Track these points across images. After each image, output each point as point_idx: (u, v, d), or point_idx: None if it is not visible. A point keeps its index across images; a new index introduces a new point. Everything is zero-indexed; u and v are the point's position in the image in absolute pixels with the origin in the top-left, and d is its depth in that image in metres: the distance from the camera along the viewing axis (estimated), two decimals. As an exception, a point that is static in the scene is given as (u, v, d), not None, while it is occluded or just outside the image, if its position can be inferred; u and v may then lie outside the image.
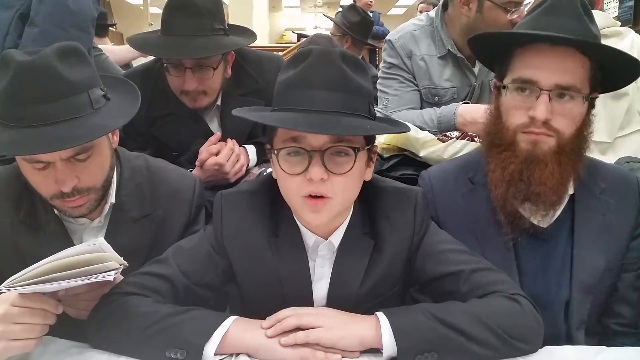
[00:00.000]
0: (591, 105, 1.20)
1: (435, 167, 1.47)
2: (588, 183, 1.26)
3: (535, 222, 1.23)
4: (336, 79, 1.03)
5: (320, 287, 1.19)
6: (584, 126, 1.20)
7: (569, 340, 1.21)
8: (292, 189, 1.07)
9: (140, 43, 1.83)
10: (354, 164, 1.05)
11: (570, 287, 1.23)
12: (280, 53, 4.48)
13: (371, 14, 4.51)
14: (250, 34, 1.90)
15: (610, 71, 1.19)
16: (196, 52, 1.65)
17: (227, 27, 1.78)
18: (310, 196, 1.05)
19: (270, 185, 1.19)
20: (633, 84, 1.25)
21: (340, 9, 3.89)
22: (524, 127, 1.17)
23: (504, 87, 1.21)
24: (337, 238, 1.18)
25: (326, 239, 1.17)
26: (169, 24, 1.70)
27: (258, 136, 1.89)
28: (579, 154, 1.20)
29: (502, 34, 1.28)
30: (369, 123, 1.07)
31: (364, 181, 1.16)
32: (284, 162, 1.06)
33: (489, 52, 1.31)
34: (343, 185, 1.06)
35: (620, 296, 1.26)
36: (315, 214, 1.07)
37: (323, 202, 1.06)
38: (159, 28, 1.76)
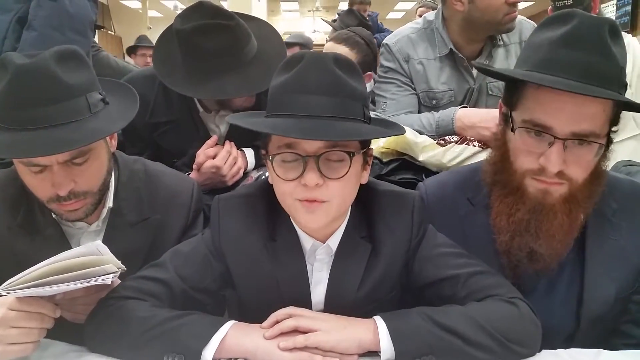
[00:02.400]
0: (609, 142, 1.09)
1: (432, 180, 1.38)
2: (600, 204, 1.15)
3: (538, 270, 1.16)
4: (329, 83, 1.02)
5: (318, 291, 1.19)
6: (599, 167, 1.10)
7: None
8: (287, 193, 1.07)
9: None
10: (349, 168, 1.04)
11: (578, 318, 1.16)
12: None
13: (369, 16, 4.53)
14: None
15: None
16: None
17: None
18: (306, 200, 1.05)
19: (267, 189, 1.19)
20: (627, 89, 1.18)
21: (338, 15, 3.92)
22: (534, 174, 1.08)
23: (512, 125, 1.10)
24: (334, 242, 1.17)
25: (324, 243, 1.17)
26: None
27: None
28: (592, 197, 1.11)
29: (513, 76, 1.10)
30: (364, 127, 1.06)
31: (362, 185, 1.15)
32: (279, 167, 1.06)
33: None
34: (339, 190, 1.05)
35: (631, 318, 1.19)
36: (311, 215, 1.07)
37: (319, 204, 1.05)
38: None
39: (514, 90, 1.11)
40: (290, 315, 1.06)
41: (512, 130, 1.10)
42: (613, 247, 1.16)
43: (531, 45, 1.12)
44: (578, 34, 1.02)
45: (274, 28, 1.85)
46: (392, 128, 1.17)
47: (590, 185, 1.09)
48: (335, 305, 1.15)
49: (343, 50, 2.70)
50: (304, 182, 1.02)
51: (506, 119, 1.14)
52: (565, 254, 1.15)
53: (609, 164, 1.60)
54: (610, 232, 1.17)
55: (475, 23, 1.87)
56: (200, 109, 1.79)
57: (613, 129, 1.09)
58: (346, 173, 1.04)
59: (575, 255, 1.18)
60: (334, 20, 3.89)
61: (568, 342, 1.14)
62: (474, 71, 1.96)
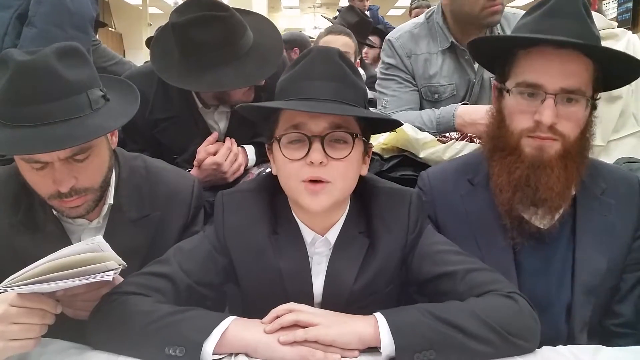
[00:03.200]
0: (593, 107, 1.19)
1: (434, 168, 1.46)
2: (589, 184, 1.25)
3: (541, 226, 1.22)
4: (333, 71, 1.11)
5: (317, 284, 1.21)
6: (587, 128, 1.19)
7: (571, 342, 1.19)
8: (292, 173, 1.11)
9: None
10: (351, 149, 1.10)
11: (572, 289, 1.23)
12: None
13: (369, 9, 4.52)
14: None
15: (611, 71, 1.18)
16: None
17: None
18: (310, 181, 1.09)
19: (269, 184, 1.23)
20: (627, 86, 1.25)
21: (338, 12, 3.91)
22: (529, 132, 1.16)
23: (507, 90, 1.20)
24: (333, 235, 1.20)
25: (322, 237, 1.19)
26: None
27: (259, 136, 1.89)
28: (583, 157, 1.19)
29: (505, 38, 1.26)
30: (364, 109, 1.15)
31: (361, 181, 1.18)
32: (285, 148, 1.11)
33: (489, 54, 1.29)
34: (342, 170, 1.10)
35: (621, 296, 1.25)
36: (314, 197, 1.10)
37: (322, 185, 1.09)
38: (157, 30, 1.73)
39: (504, 64, 1.22)
40: (290, 311, 1.06)
41: (507, 91, 1.19)
42: (603, 223, 1.24)
43: (517, 28, 1.25)
44: (557, 7, 1.16)
45: (272, 22, 1.85)
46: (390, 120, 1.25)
47: (581, 142, 1.18)
48: (332, 297, 1.17)
49: (344, 40, 2.75)
50: (309, 160, 1.07)
51: (500, 91, 1.23)
52: (563, 207, 1.21)
53: (609, 160, 1.61)
54: (599, 209, 1.25)
55: (459, 15, 1.90)
56: (200, 105, 1.79)
57: (596, 96, 1.19)
58: (349, 154, 1.10)
59: (568, 231, 1.25)
60: (335, 17, 3.89)
61: (567, 312, 1.23)
62: (476, 65, 1.96)
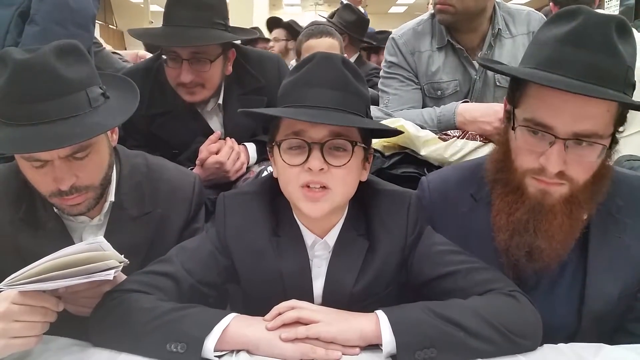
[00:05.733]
0: (614, 142, 1.06)
1: (435, 177, 1.35)
2: (604, 202, 1.12)
3: (537, 270, 1.15)
4: (336, 79, 1.10)
5: (317, 286, 1.21)
6: (603, 168, 1.07)
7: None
8: (292, 179, 1.11)
9: (140, 32, 1.86)
10: (351, 157, 1.10)
11: (579, 315, 1.15)
12: (280, 51, 4.46)
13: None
14: (251, 33, 1.92)
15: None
16: (190, 41, 1.67)
17: (228, 24, 1.79)
18: (309, 187, 1.09)
19: (270, 186, 1.23)
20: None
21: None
22: (534, 173, 1.06)
23: (513, 127, 1.09)
24: (332, 238, 1.20)
25: (322, 239, 1.20)
26: (169, 15, 1.74)
27: (259, 135, 1.90)
28: (595, 198, 1.08)
29: (515, 74, 1.09)
30: (366, 120, 1.14)
31: (360, 184, 1.18)
32: (286, 154, 1.11)
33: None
34: (341, 177, 1.10)
35: (636, 316, 1.17)
36: (314, 204, 1.10)
37: (322, 193, 1.09)
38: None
39: (517, 88, 1.10)
40: (292, 308, 1.06)
41: (513, 128, 1.09)
42: (617, 245, 1.14)
43: (536, 42, 1.10)
44: (583, 32, 1.00)
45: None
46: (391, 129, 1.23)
47: (593, 186, 1.07)
48: (332, 299, 1.17)
49: (328, 42, 2.65)
50: (308, 167, 1.07)
51: (509, 117, 1.12)
52: (566, 254, 1.13)
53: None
54: (614, 230, 1.15)
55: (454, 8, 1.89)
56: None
57: (619, 129, 1.06)
58: (348, 161, 1.09)
59: (578, 254, 1.16)
60: (332, 15, 3.89)
61: (569, 340, 1.13)
62: (476, 62, 1.95)
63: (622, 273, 1.14)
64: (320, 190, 1.09)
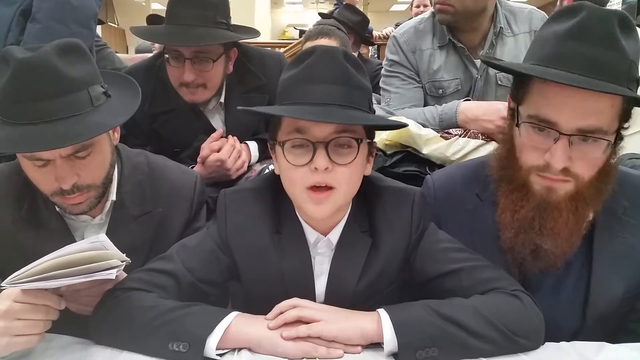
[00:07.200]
0: (619, 138, 1.06)
1: (441, 175, 1.35)
2: (610, 202, 1.12)
3: (542, 269, 1.14)
4: (338, 73, 1.07)
5: (320, 284, 1.20)
6: (608, 164, 1.07)
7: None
8: (297, 180, 1.09)
9: (143, 31, 1.86)
10: (356, 154, 1.08)
11: (583, 314, 1.15)
12: (282, 49, 4.48)
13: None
14: (252, 32, 1.91)
15: None
16: (195, 40, 1.67)
17: (230, 23, 1.79)
18: (314, 188, 1.07)
19: (272, 183, 1.21)
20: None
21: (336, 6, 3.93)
22: (539, 170, 1.06)
23: (517, 124, 1.08)
24: (335, 235, 1.19)
25: (325, 237, 1.19)
26: (172, 13, 1.73)
27: (261, 133, 1.90)
28: (601, 195, 1.08)
29: (517, 70, 1.08)
30: (370, 116, 1.11)
31: (364, 180, 1.17)
32: (289, 154, 1.08)
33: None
34: (347, 176, 1.08)
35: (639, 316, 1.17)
36: (318, 206, 1.09)
37: (326, 194, 1.08)
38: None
39: (520, 85, 1.09)
40: (294, 307, 1.06)
41: (517, 125, 1.08)
42: (622, 246, 1.14)
43: (539, 39, 1.10)
44: (585, 26, 0.99)
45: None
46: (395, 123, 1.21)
47: (598, 183, 1.06)
48: (335, 297, 1.16)
49: (325, 43, 2.65)
50: (313, 167, 1.05)
51: (513, 114, 1.12)
52: (571, 252, 1.13)
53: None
54: (619, 231, 1.14)
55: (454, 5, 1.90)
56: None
57: (624, 125, 1.06)
58: (354, 159, 1.07)
59: (583, 254, 1.15)
60: (332, 12, 3.91)
61: (573, 339, 1.12)
62: (478, 61, 1.95)
63: (627, 273, 1.14)
64: (325, 190, 1.07)
